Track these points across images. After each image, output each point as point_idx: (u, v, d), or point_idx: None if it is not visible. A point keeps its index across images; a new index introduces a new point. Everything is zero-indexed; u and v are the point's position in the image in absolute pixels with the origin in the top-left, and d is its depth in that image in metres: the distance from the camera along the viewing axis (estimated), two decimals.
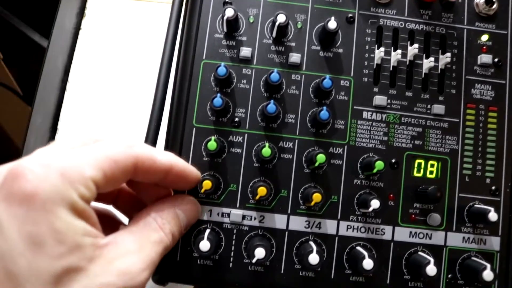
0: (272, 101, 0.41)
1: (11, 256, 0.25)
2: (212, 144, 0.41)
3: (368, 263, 0.39)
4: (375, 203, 0.40)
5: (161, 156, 0.35)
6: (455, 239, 0.44)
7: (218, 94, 0.41)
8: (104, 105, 0.65)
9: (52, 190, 0.26)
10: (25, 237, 0.25)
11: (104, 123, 0.65)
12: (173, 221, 0.36)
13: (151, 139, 0.44)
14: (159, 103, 0.45)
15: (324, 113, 0.41)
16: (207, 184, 0.41)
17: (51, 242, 0.26)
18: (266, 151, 0.40)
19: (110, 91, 0.66)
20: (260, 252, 0.39)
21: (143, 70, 0.66)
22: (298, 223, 0.43)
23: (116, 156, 0.30)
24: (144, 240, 0.32)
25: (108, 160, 0.30)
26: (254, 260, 0.39)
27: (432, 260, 0.40)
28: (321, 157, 0.40)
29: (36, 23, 1.06)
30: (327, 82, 0.41)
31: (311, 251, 0.39)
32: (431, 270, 0.39)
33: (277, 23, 0.42)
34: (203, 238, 0.39)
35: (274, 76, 0.41)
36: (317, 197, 0.40)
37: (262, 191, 0.40)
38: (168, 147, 0.44)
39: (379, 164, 0.40)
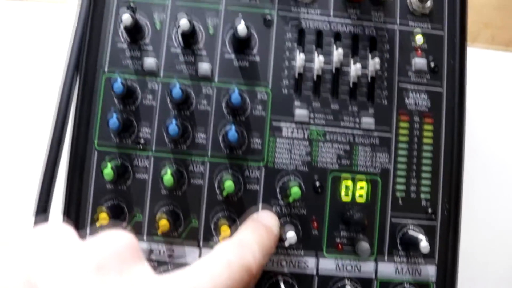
0: (174, 121, 0.36)
1: None
2: (109, 173, 0.36)
3: None
4: (291, 237, 0.35)
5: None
6: (387, 270, 0.39)
7: (115, 115, 0.36)
8: None
9: None
10: None
11: None
12: None
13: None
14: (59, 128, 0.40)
15: (232, 135, 0.36)
16: (102, 218, 0.36)
17: None
18: (168, 179, 0.36)
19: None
20: None
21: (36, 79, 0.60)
22: None
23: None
24: None
25: None
26: None
27: None
28: (229, 185, 0.36)
29: None
30: (235, 98, 0.36)
31: None
32: None
33: (180, 30, 0.37)
34: None
35: (176, 92, 0.36)
36: (225, 230, 0.36)
37: (164, 225, 0.36)
38: (69, 175, 0.39)
39: (296, 192, 0.36)
